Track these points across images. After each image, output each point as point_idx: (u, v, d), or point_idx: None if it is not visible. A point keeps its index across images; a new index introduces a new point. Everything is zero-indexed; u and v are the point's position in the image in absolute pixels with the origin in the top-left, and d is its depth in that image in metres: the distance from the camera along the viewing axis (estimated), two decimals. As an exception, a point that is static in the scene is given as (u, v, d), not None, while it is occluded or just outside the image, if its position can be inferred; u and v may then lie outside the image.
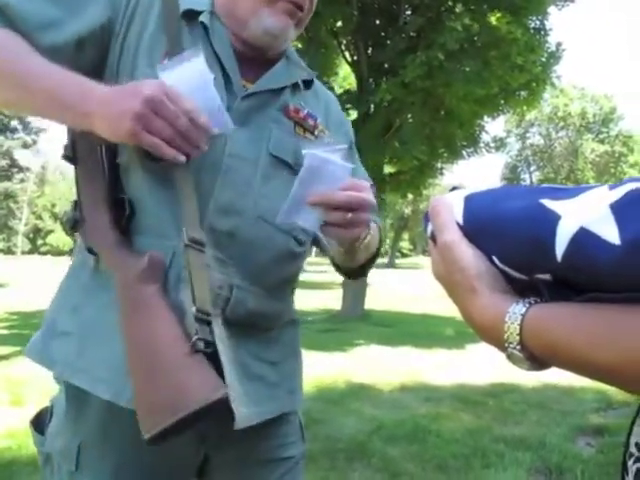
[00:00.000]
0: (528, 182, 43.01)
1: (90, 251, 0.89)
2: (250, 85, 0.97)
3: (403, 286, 19.75)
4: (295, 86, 1.03)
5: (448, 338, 8.14)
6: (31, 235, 64.84)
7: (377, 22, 10.28)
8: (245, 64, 0.98)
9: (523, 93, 9.94)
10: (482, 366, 5.86)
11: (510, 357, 0.47)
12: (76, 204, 0.91)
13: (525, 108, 10.94)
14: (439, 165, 12.15)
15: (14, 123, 23.31)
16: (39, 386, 4.54)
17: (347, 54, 10.71)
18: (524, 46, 8.91)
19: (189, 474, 0.97)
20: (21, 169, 26.20)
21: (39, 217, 64.91)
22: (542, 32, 9.53)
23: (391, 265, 39.00)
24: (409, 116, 10.14)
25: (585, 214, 0.41)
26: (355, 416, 3.94)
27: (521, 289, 0.49)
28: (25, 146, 24.25)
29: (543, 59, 9.51)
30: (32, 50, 0.85)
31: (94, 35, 0.91)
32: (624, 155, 40.48)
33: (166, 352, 0.79)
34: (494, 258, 0.50)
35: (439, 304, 12.37)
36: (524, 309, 0.46)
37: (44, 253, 61.96)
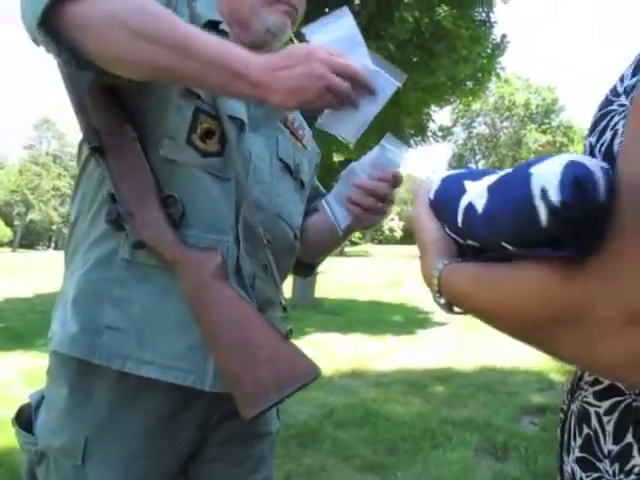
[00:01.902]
0: (474, 171, 43.95)
1: (138, 245, 0.89)
2: None
3: (353, 274, 19.92)
4: None
5: (397, 324, 8.28)
6: (-32, 226, 62.14)
7: (327, 11, 10.25)
8: None
9: (469, 83, 10.14)
10: (430, 351, 6.00)
11: (436, 302, 0.60)
12: (113, 197, 0.90)
13: (471, 98, 11.16)
14: (388, 154, 12.26)
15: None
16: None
17: (297, 42, 10.64)
18: (469, 39, 9.06)
19: (186, 457, 1.00)
20: (-44, 157, 24.98)
21: (-24, 207, 62.21)
22: (487, 24, 9.71)
23: (341, 253, 39.25)
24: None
25: (475, 192, 0.53)
26: (307, 402, 3.98)
27: (464, 253, 0.61)
28: (-40, 132, 23.09)
29: (488, 50, 9.71)
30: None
31: None
32: (565, 145, 41.88)
33: (262, 339, 0.88)
34: (446, 228, 0.61)
35: (388, 292, 12.57)
36: (442, 266, 0.58)
37: (-18, 244, 59.46)
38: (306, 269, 1.29)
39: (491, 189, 0.50)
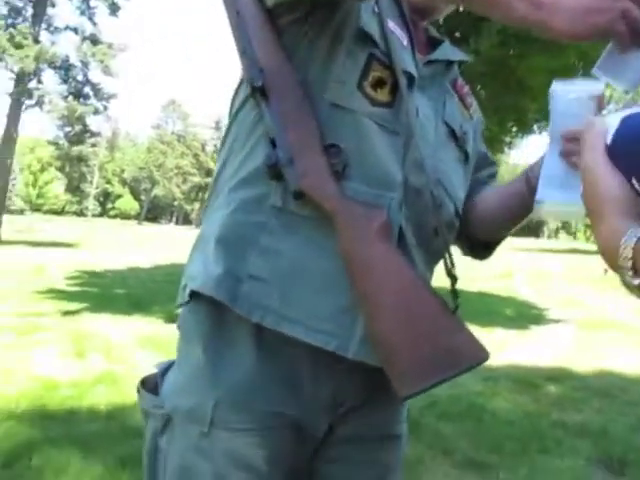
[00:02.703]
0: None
1: (297, 195, 0.82)
2: (421, 56, 0.97)
3: (459, 263, 19.37)
4: (454, 64, 1.04)
5: (508, 318, 7.93)
6: (101, 199, 67.49)
7: None
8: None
9: (603, 64, 9.40)
10: (543, 349, 5.68)
11: (624, 283, 0.46)
12: (273, 142, 0.84)
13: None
14: (508, 140, 11.71)
15: (87, 89, 24.00)
16: (101, 341, 4.73)
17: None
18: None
19: (314, 445, 0.90)
20: (93, 134, 27.06)
21: (109, 182, 67.37)
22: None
23: (451, 242, 38.32)
24: (479, 87, 9.77)
25: None
26: (408, 391, 3.90)
27: None
28: (96, 112, 24.90)
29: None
30: None
31: None
32: None
33: (427, 309, 0.80)
34: (634, 180, 0.48)
35: (497, 284, 12.08)
36: None
37: (113, 216, 64.49)
38: (483, 249, 1.14)
39: None
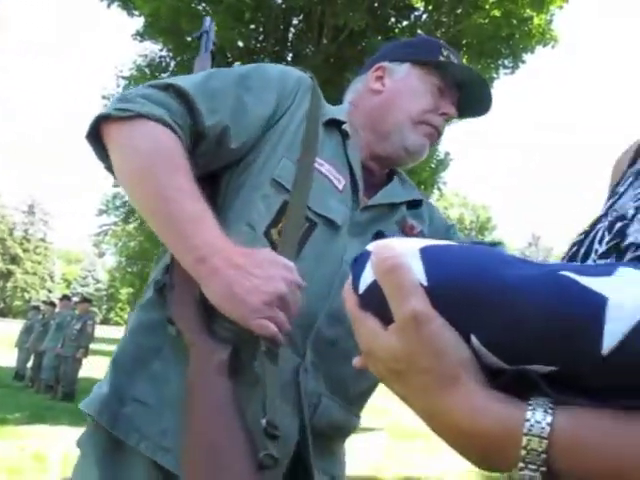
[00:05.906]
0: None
1: (169, 321, 0.83)
2: (367, 200, 1.00)
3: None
4: (409, 203, 1.07)
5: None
6: None
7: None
8: (365, 178, 1.00)
9: (412, 194, 10.65)
10: (357, 457, 5.79)
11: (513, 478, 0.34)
12: (168, 268, 0.87)
13: (412, 208, 11.68)
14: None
15: None
16: None
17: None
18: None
19: None
20: None
21: None
22: (432, 141, 10.40)
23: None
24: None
25: None
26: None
27: (502, 383, 0.37)
28: None
29: (432, 165, 10.27)
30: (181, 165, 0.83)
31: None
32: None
33: (231, 461, 0.74)
34: (473, 338, 0.37)
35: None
36: (550, 418, 0.33)
37: None
38: None
39: None
